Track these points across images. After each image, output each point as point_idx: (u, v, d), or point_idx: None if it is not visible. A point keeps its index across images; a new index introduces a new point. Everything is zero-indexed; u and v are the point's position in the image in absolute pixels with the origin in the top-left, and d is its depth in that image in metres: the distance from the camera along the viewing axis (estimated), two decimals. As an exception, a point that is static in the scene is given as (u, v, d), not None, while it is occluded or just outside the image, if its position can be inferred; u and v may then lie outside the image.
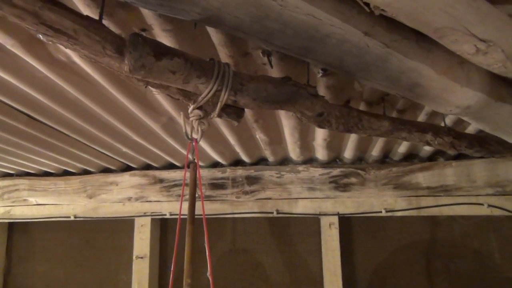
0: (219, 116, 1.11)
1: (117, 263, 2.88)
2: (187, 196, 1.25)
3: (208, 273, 1.17)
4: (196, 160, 1.24)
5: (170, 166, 2.74)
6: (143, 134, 2.03)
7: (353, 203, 2.53)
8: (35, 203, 2.86)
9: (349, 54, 1.01)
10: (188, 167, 1.26)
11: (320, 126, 1.39)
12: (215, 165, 2.72)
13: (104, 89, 1.50)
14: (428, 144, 1.70)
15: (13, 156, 2.38)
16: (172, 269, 1.24)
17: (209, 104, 1.07)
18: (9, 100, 1.59)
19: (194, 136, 1.17)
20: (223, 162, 2.66)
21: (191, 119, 1.11)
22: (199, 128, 1.13)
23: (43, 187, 2.83)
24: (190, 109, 1.08)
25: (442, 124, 1.76)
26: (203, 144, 2.20)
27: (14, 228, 3.09)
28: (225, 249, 2.79)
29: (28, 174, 2.92)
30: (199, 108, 1.08)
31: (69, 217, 2.80)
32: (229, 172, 2.67)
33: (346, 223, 2.64)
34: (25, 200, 2.86)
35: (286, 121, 1.85)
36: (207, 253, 1.18)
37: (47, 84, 1.46)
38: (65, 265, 2.98)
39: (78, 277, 2.94)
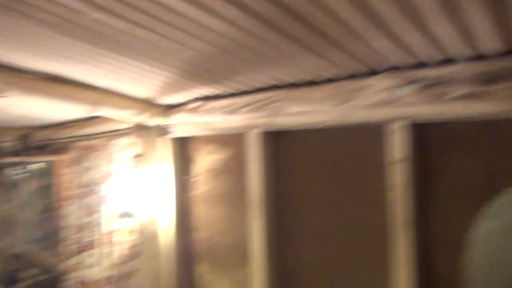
0: None
1: (371, 169, 2.88)
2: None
3: None
4: None
5: (425, 64, 2.44)
6: (409, 16, 1.80)
7: None
8: (291, 113, 3.05)
9: None
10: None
11: None
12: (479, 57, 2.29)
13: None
14: None
15: (271, 66, 2.53)
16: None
17: None
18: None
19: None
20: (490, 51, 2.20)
21: None
22: None
23: (296, 97, 2.98)
24: None
25: None
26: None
27: (278, 137, 3.43)
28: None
29: (279, 88, 3.12)
30: None
31: (323, 124, 2.91)
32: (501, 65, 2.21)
33: None
34: (281, 110, 3.08)
35: None
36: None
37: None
38: (321, 170, 3.18)
39: (334, 182, 3.10)
